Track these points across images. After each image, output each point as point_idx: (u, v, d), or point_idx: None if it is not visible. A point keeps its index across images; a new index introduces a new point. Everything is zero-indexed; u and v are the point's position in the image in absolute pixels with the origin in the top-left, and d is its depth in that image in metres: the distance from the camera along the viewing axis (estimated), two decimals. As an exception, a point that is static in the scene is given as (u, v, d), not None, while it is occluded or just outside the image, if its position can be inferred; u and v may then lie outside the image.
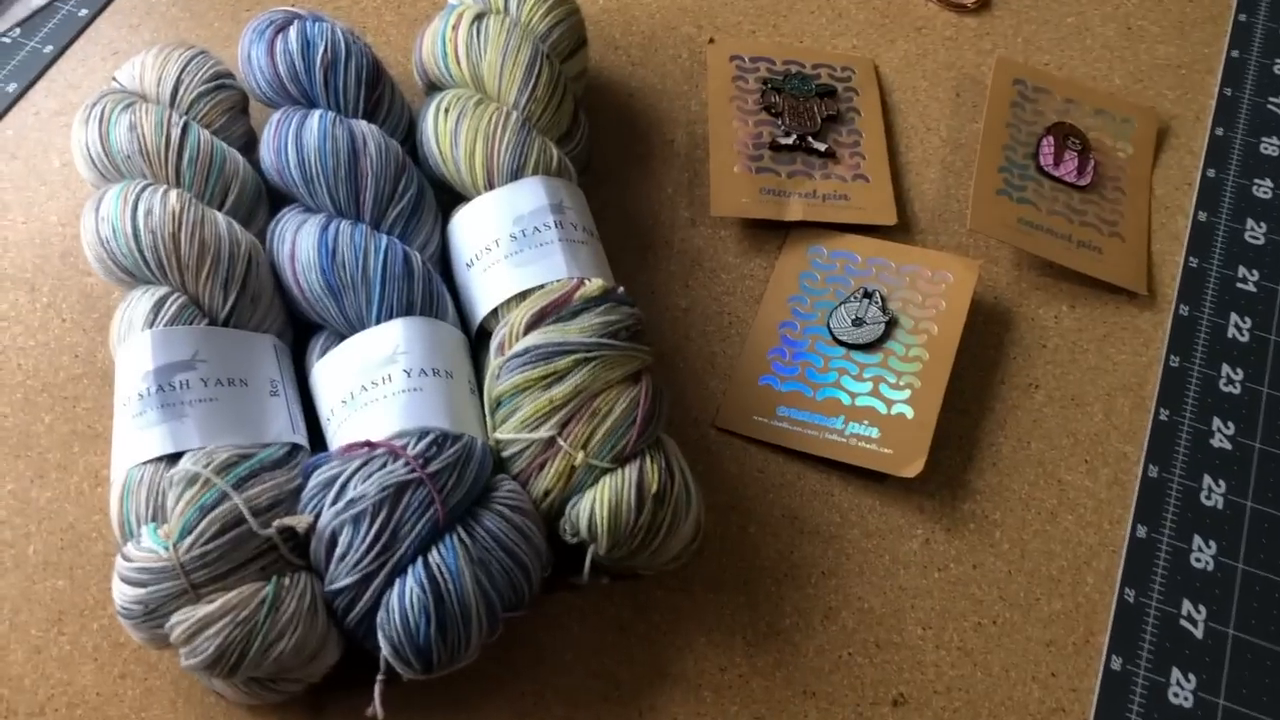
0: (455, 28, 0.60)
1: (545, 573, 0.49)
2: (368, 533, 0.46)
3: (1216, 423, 0.58)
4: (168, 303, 0.51)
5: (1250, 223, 0.65)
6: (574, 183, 0.58)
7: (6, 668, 0.50)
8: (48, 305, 0.60)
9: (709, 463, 0.57)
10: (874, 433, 0.56)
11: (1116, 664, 0.52)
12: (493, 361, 0.52)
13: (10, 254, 0.61)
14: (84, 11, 0.70)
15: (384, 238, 0.54)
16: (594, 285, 0.53)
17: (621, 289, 0.54)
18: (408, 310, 0.53)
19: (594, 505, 0.49)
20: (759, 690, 0.51)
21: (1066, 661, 0.52)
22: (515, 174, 0.56)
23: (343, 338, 0.53)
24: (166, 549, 0.45)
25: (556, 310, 0.52)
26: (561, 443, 0.49)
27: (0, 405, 0.57)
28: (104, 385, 0.57)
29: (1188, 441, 0.58)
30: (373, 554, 0.46)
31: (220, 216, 0.54)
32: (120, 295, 0.56)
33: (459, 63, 0.60)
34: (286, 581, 0.46)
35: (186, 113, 0.58)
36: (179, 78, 0.59)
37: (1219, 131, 0.69)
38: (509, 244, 0.55)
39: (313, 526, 0.47)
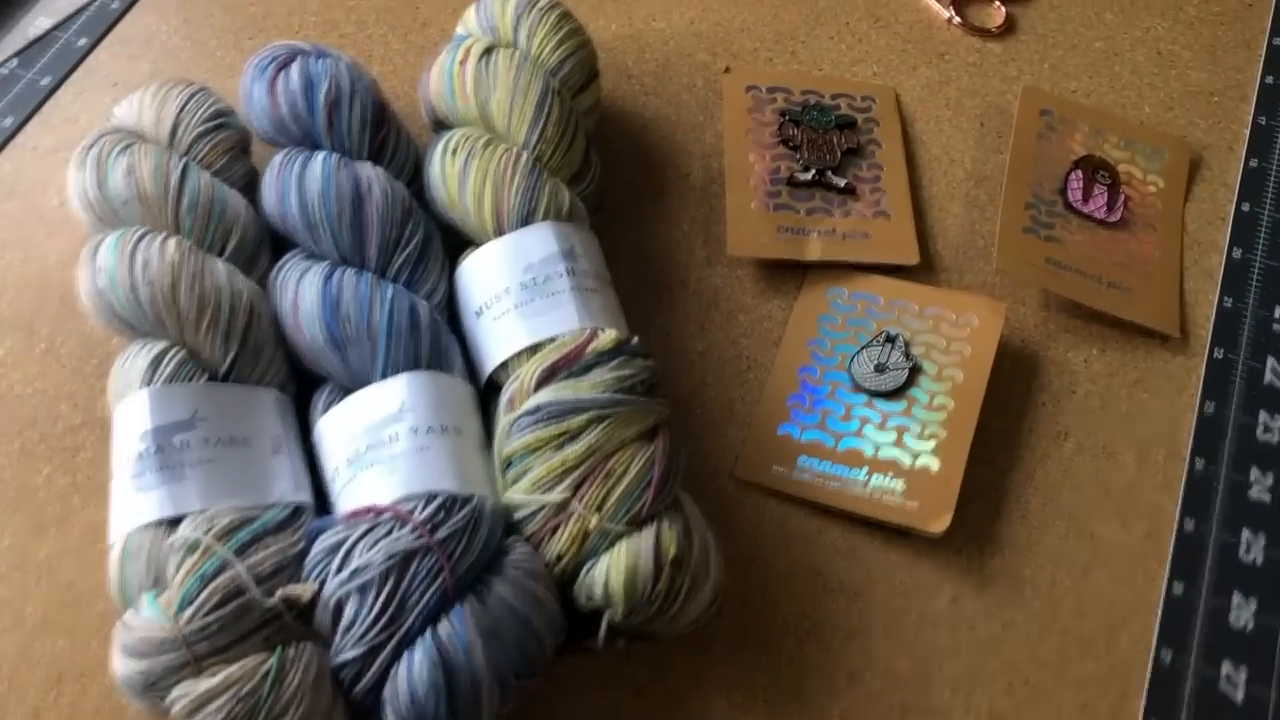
0: (463, 63, 0.58)
1: (559, 639, 0.48)
2: (374, 603, 0.44)
3: (1255, 473, 0.56)
4: (166, 358, 0.50)
5: (1287, 259, 0.63)
6: (586, 225, 0.57)
7: (2, 737, 0.49)
8: (46, 351, 0.58)
9: (728, 516, 0.55)
10: (898, 486, 0.54)
11: (1153, 732, 0.50)
12: (502, 418, 0.50)
13: (8, 296, 0.60)
14: (82, 41, 0.68)
15: (390, 287, 0.52)
16: (607, 337, 0.51)
17: (636, 339, 0.52)
18: (414, 364, 0.51)
19: (609, 571, 0.47)
20: (781, 761, 0.49)
21: (1101, 729, 0.50)
22: (525, 219, 0.54)
23: (347, 391, 0.52)
24: (167, 620, 0.44)
25: (568, 365, 0.50)
26: (575, 506, 0.47)
27: (-3, 457, 0.55)
28: (104, 435, 0.55)
29: (1225, 493, 0.56)
30: (379, 625, 0.44)
31: (221, 265, 0.52)
32: (120, 342, 0.54)
33: (466, 100, 0.58)
34: (291, 653, 0.45)
35: (186, 154, 0.56)
36: (178, 117, 0.57)
37: (1253, 163, 0.66)
38: (519, 293, 0.53)
39: (317, 595, 0.45)
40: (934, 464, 0.55)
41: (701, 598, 0.48)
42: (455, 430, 0.50)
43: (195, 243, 0.53)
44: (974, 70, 0.70)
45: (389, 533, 0.46)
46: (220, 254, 0.54)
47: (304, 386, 0.54)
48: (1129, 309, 0.60)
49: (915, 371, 0.57)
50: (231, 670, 0.43)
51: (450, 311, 0.56)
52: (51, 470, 0.55)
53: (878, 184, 0.64)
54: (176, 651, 0.43)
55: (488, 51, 0.59)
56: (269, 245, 0.56)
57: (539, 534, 0.48)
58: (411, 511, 0.46)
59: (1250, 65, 0.71)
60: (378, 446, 0.49)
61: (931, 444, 0.55)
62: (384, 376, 0.51)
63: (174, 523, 0.47)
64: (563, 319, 0.52)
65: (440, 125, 0.61)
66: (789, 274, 0.62)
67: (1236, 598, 0.53)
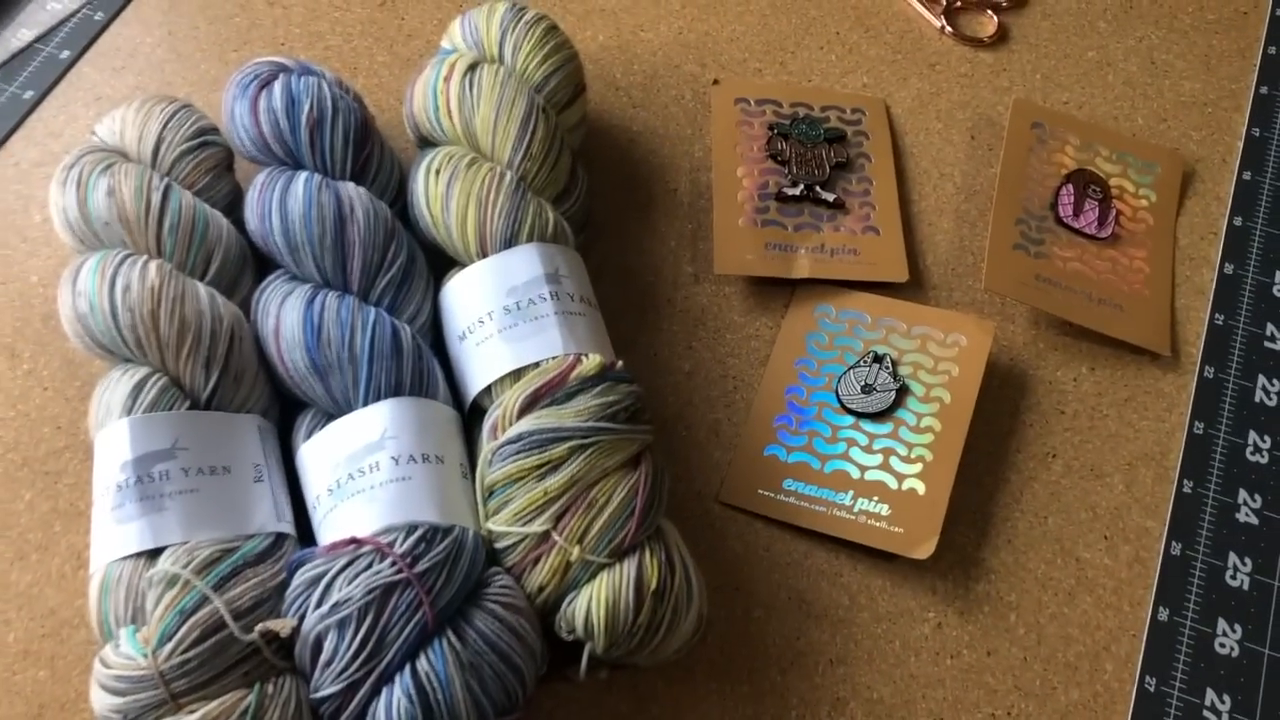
0: (447, 79, 0.58)
1: (540, 672, 0.48)
2: (353, 639, 0.44)
3: (1243, 495, 0.56)
4: (147, 386, 0.49)
5: (1279, 276, 0.62)
6: (571, 246, 0.56)
7: (-16, 768, 0.49)
8: (28, 372, 0.58)
9: (712, 540, 0.54)
10: (884, 509, 0.54)
11: (1137, 762, 0.50)
12: (485, 446, 0.50)
13: (-10, 317, 0.59)
14: (65, 54, 0.68)
15: (372, 311, 0.52)
16: (591, 363, 0.51)
17: (620, 364, 0.51)
18: (396, 389, 0.51)
19: (590, 603, 0.46)
20: (763, 791, 0.49)
21: (1084, 758, 0.50)
22: (509, 241, 0.54)
23: (330, 416, 0.51)
24: (145, 656, 0.44)
25: (551, 392, 0.50)
26: (556, 537, 0.47)
27: (-21, 481, 0.55)
28: (86, 459, 0.55)
29: (1212, 516, 0.55)
30: (359, 661, 0.44)
31: (202, 289, 0.52)
32: (103, 365, 0.54)
33: (450, 117, 0.57)
34: (270, 689, 0.45)
35: (168, 173, 0.56)
36: (160, 135, 0.57)
37: (1246, 175, 0.66)
38: (502, 317, 0.52)
39: (297, 630, 0.45)
40: (920, 488, 0.54)
41: (684, 629, 0.48)
42: (437, 459, 0.49)
43: (177, 265, 0.52)
44: (965, 81, 0.69)
45: (369, 566, 0.45)
46: (202, 277, 0.53)
47: (286, 409, 0.54)
48: (1119, 327, 0.60)
49: (903, 392, 0.57)
50: (210, 708, 0.43)
51: (435, 335, 0.55)
52: (33, 495, 0.54)
53: (867, 198, 0.64)
54: (154, 690, 0.43)
55: (472, 68, 0.58)
56: (252, 265, 0.56)
57: (520, 565, 0.48)
58: (392, 544, 0.46)
59: (1245, 75, 0.70)
60: (359, 476, 0.48)
61: (918, 467, 0.55)
62: (366, 402, 0.50)
63: (154, 554, 0.46)
64: (546, 344, 0.52)
65: (425, 141, 0.60)
66: (777, 290, 0.62)
67: (1222, 624, 0.53)
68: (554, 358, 0.51)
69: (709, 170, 0.65)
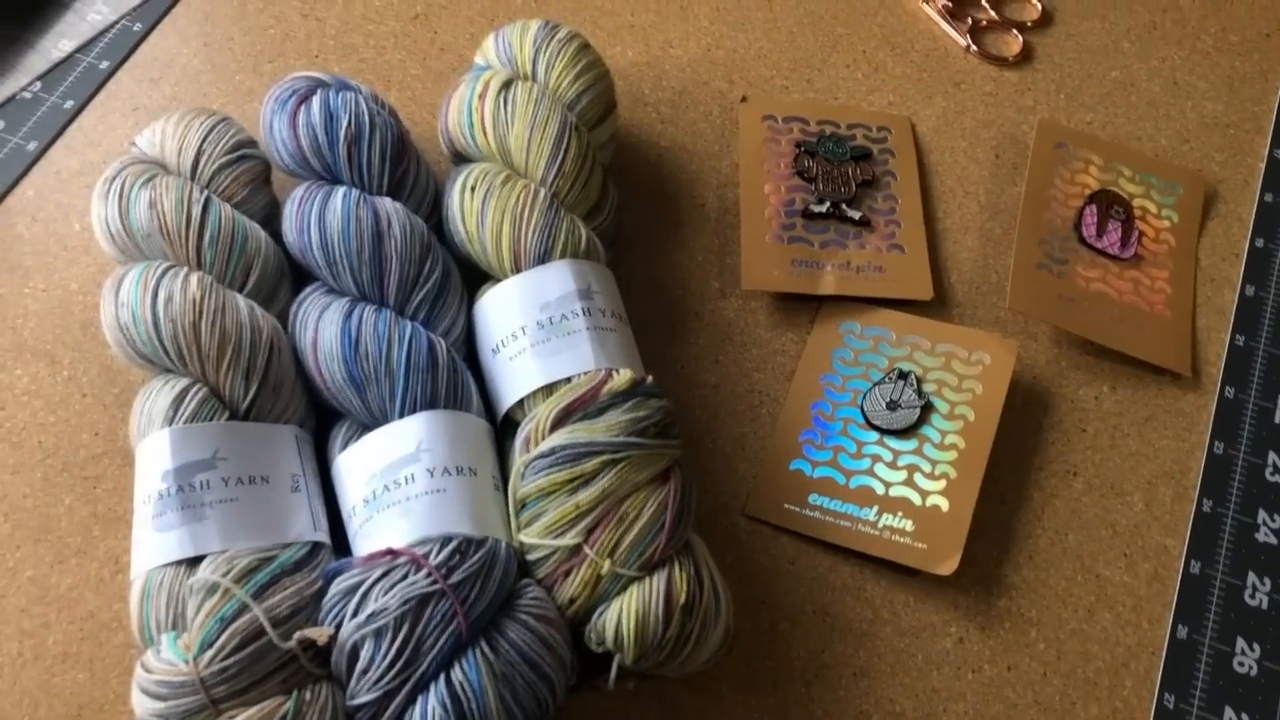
0: (482, 97, 0.59)
1: (570, 681, 0.48)
2: (389, 648, 0.45)
3: (1262, 515, 0.57)
4: (188, 397, 0.50)
5: (1299, 297, 0.63)
6: (602, 262, 0.57)
7: (26, 768, 0.50)
8: (68, 379, 0.59)
9: (738, 554, 0.55)
10: (908, 525, 0.55)
11: (1155, 778, 0.50)
12: (518, 459, 0.51)
13: (31, 324, 0.60)
14: (105, 64, 0.69)
15: (408, 325, 0.53)
16: (622, 378, 0.51)
17: (650, 379, 0.52)
18: (431, 402, 0.52)
19: (620, 616, 0.47)
20: (787, 802, 0.50)
21: (1104, 774, 0.51)
22: (543, 257, 0.55)
23: (365, 427, 0.52)
24: (186, 662, 0.45)
25: (583, 406, 0.51)
26: (588, 550, 0.48)
27: (20, 485, 0.56)
28: (125, 465, 0.56)
29: (1231, 535, 0.56)
30: (394, 670, 0.45)
31: (242, 301, 0.53)
32: (141, 372, 0.55)
33: (485, 134, 0.58)
34: (307, 696, 0.46)
35: (207, 185, 0.57)
36: (200, 148, 0.58)
37: (1268, 197, 0.67)
38: (535, 332, 0.53)
39: (334, 638, 0.46)
40: (944, 504, 0.55)
41: (711, 641, 0.49)
42: (470, 471, 0.50)
43: (216, 278, 0.53)
44: (990, 100, 0.70)
45: (405, 576, 0.46)
46: (241, 289, 0.54)
47: (322, 419, 0.55)
48: (1141, 347, 0.60)
49: (927, 409, 0.58)
50: (249, 714, 0.44)
51: (469, 348, 0.56)
52: (73, 500, 0.56)
53: (893, 216, 0.65)
54: (195, 695, 0.44)
55: (506, 85, 0.59)
56: (289, 277, 0.57)
57: (552, 577, 0.49)
58: (427, 555, 0.47)
59: (1268, 97, 0.71)
60: (394, 488, 0.49)
61: (942, 484, 0.56)
62: (402, 414, 0.51)
63: (194, 561, 0.48)
64: (578, 359, 0.53)
65: (459, 156, 0.61)
66: (803, 306, 0.62)
67: (1240, 643, 0.53)
68: (586, 373, 0.52)
69: (736, 186, 0.66)
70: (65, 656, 0.52)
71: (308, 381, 0.54)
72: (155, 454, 0.49)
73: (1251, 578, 0.55)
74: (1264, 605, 0.54)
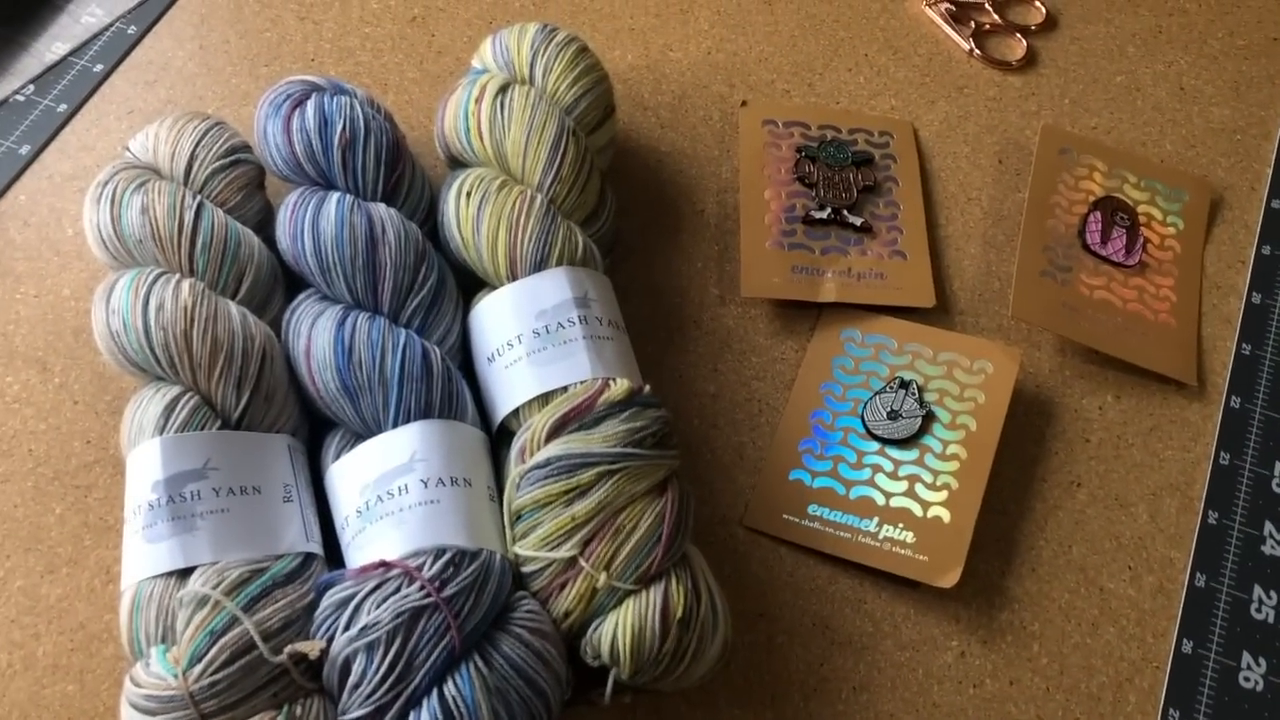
0: (478, 101, 0.58)
1: (565, 696, 0.48)
2: (381, 662, 0.44)
3: (1269, 527, 0.56)
4: (179, 405, 0.50)
5: (1306, 306, 0.62)
6: (599, 269, 0.56)
7: (13, 782, 0.49)
8: (60, 386, 0.58)
9: (736, 565, 0.55)
10: (909, 537, 0.54)
11: (1159, 795, 0.50)
12: (513, 469, 0.50)
13: (22, 330, 0.60)
14: (99, 67, 0.68)
15: (402, 333, 0.52)
16: (619, 388, 0.51)
17: (647, 388, 0.52)
18: (425, 412, 0.51)
19: (616, 630, 0.47)
20: (785, 818, 0.49)
21: (1107, 791, 0.50)
22: (539, 264, 0.54)
23: (359, 437, 0.52)
24: (176, 676, 0.44)
25: (579, 416, 0.50)
26: (583, 563, 0.47)
27: (11, 495, 0.55)
28: (117, 474, 0.56)
29: (1238, 547, 0.55)
30: (386, 685, 0.44)
31: (234, 308, 0.52)
32: (133, 380, 0.54)
33: (481, 139, 0.58)
34: (299, 710, 0.45)
35: (200, 190, 0.56)
36: (193, 153, 0.57)
37: (1275, 204, 0.66)
38: (531, 340, 0.53)
39: (325, 651, 0.46)
40: (945, 515, 0.54)
41: (709, 655, 0.48)
42: (465, 482, 0.50)
43: (209, 284, 0.53)
44: (993, 105, 0.70)
45: (397, 589, 0.46)
46: (234, 296, 0.54)
47: (315, 428, 0.54)
48: (1145, 356, 0.60)
49: (929, 419, 0.57)
50: (239, 729, 0.44)
51: (464, 356, 0.56)
52: (64, 509, 0.55)
53: (894, 222, 0.64)
54: (184, 710, 0.43)
55: (503, 89, 0.58)
56: (282, 284, 0.56)
57: (547, 589, 0.48)
58: (420, 568, 0.46)
59: (1275, 101, 0.70)
60: (388, 498, 0.49)
61: (943, 495, 0.55)
62: (396, 424, 0.51)
63: (185, 573, 0.47)
64: (574, 368, 0.52)
65: (455, 161, 0.60)
66: (803, 313, 0.62)
67: (1246, 657, 0.53)
68: (582, 382, 0.51)
69: (736, 192, 0.65)
70: (55, 668, 0.51)
71: (301, 390, 0.53)
72: (146, 463, 0.48)
73: (1258, 591, 0.54)
74: (1270, 619, 0.53)
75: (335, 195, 0.55)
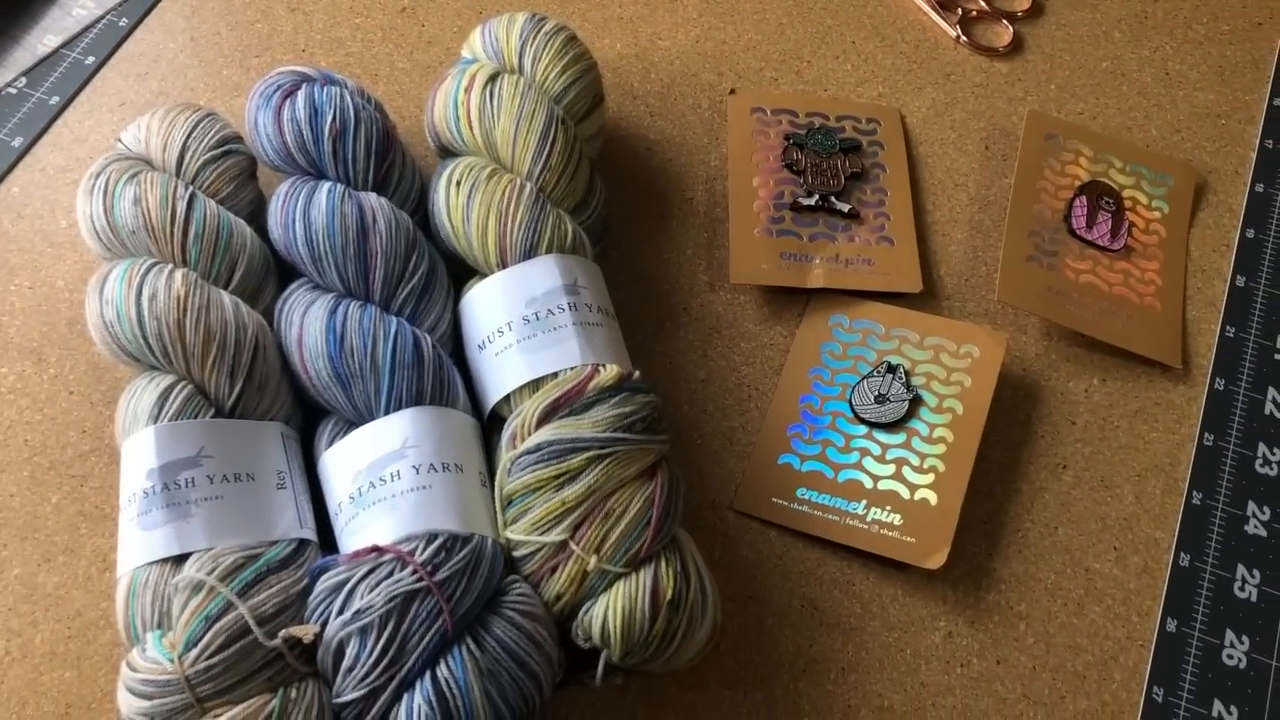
0: (468, 90, 0.58)
1: (557, 678, 0.48)
2: (375, 645, 0.45)
3: (1251, 507, 0.57)
4: (173, 394, 0.50)
5: (1290, 288, 0.63)
6: (589, 257, 0.57)
7: (13, 767, 0.50)
8: (55, 376, 0.59)
9: (726, 548, 0.55)
10: (896, 519, 0.55)
11: (1144, 771, 0.50)
12: (504, 455, 0.51)
13: (17, 322, 0.60)
14: (91, 59, 0.69)
15: (394, 321, 0.53)
16: (609, 374, 0.51)
17: (637, 374, 0.52)
18: (417, 399, 0.51)
19: (607, 612, 0.47)
20: (775, 797, 0.50)
21: (1092, 768, 0.51)
22: (529, 252, 0.55)
23: (351, 424, 0.52)
24: (171, 661, 0.44)
25: (569, 402, 0.51)
26: (574, 546, 0.48)
27: (7, 484, 0.56)
28: (112, 463, 0.56)
29: (1221, 528, 0.56)
30: (380, 667, 0.45)
31: (227, 298, 0.53)
32: (128, 369, 0.54)
33: (471, 128, 0.58)
34: (293, 694, 0.45)
35: (192, 181, 0.56)
36: (185, 143, 0.57)
37: (1259, 188, 0.66)
38: (521, 327, 0.53)
39: (319, 636, 0.46)
40: (932, 498, 0.55)
41: (698, 637, 0.49)
42: (457, 468, 0.50)
43: (201, 274, 0.53)
44: (980, 91, 0.70)
45: (390, 574, 0.46)
46: (226, 285, 0.54)
47: (308, 415, 0.55)
48: (1130, 339, 0.60)
49: (916, 403, 0.58)
50: (234, 712, 0.44)
51: (455, 344, 0.56)
52: (60, 498, 0.55)
53: (882, 209, 0.64)
54: (180, 694, 0.44)
55: (492, 79, 0.59)
56: (275, 273, 0.57)
57: (538, 573, 0.49)
58: (412, 552, 0.47)
59: (1259, 86, 0.70)
60: (380, 484, 0.49)
61: (930, 478, 0.56)
62: (387, 411, 0.51)
63: (180, 559, 0.47)
64: (564, 354, 0.52)
65: (445, 150, 0.61)
66: (792, 299, 0.62)
67: (1230, 635, 0.53)
68: (572, 368, 0.52)
69: (725, 179, 0.66)
70: (53, 655, 0.52)
71: (293, 378, 0.54)
72: (140, 452, 0.49)
73: (1241, 570, 0.55)
74: (1253, 598, 0.54)
75: (326, 185, 0.56)
